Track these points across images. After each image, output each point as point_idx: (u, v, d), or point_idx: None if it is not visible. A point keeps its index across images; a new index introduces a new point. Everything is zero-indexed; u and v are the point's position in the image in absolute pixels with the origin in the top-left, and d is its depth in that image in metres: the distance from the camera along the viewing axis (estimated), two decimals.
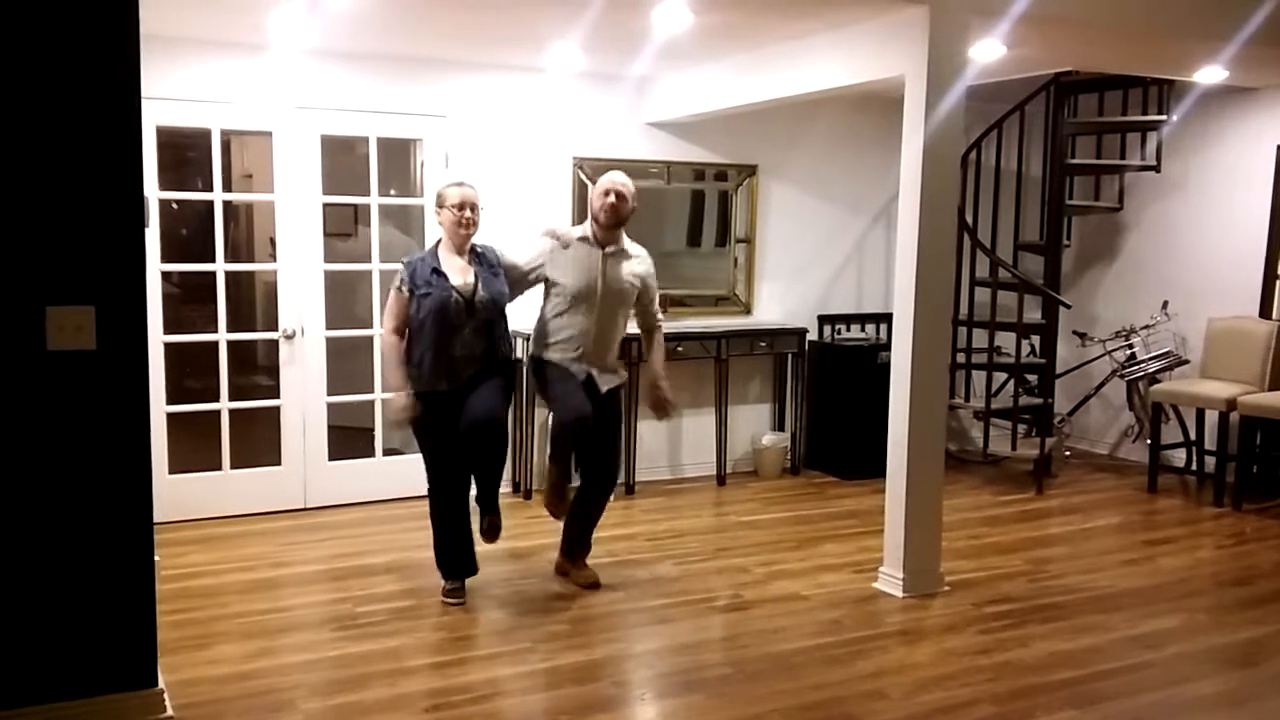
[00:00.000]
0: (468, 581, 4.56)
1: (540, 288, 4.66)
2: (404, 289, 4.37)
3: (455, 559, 4.51)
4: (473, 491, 4.58)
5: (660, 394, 4.73)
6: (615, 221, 4.50)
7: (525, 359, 4.80)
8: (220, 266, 5.60)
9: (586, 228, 4.56)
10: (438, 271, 4.35)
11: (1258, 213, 6.64)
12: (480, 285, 4.37)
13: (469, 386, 4.38)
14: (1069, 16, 4.60)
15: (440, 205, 4.44)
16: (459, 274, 4.37)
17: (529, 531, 5.44)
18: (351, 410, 6.09)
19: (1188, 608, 4.55)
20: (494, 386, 4.42)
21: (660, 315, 4.82)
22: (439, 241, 4.47)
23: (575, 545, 4.79)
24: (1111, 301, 7.49)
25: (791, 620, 4.31)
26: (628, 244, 4.63)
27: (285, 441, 5.82)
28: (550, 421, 4.79)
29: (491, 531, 4.55)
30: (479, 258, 4.45)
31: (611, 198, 4.46)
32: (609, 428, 4.64)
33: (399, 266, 4.51)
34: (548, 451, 4.81)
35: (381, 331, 4.49)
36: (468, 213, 4.37)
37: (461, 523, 4.49)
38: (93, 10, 3.05)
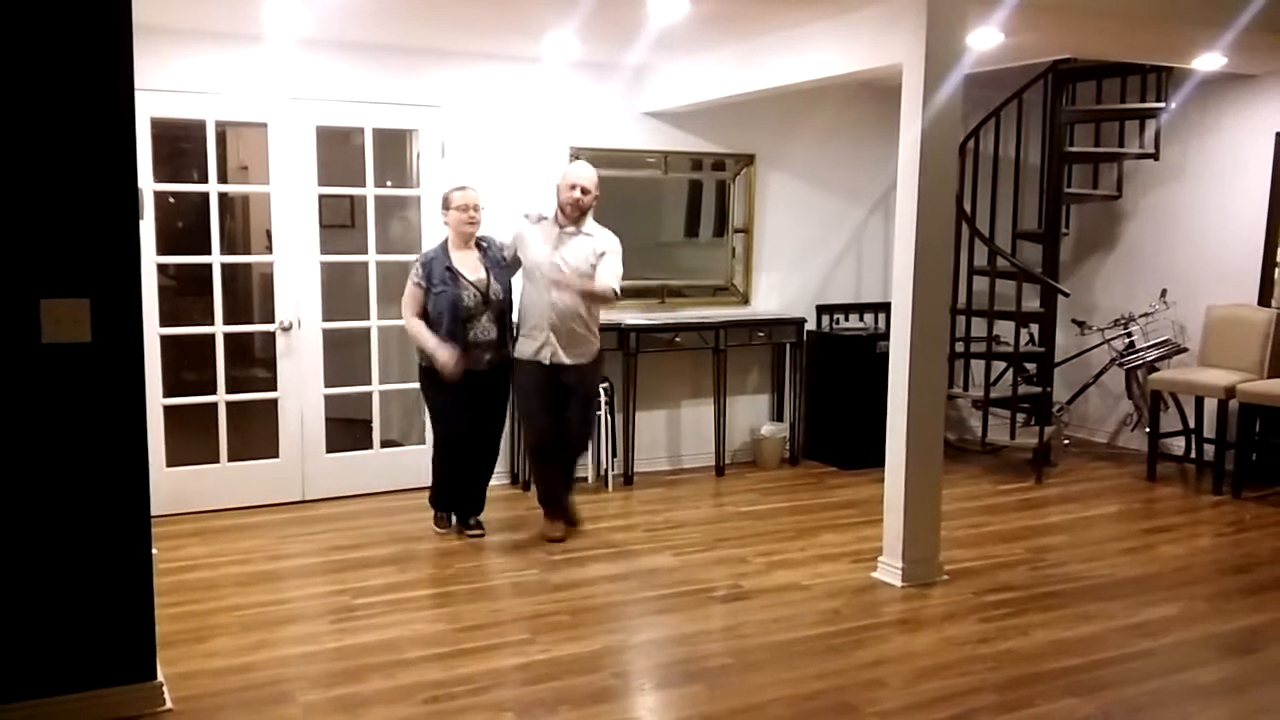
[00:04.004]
0: (462, 574, 4.66)
1: None
2: (420, 283, 4.94)
3: (448, 497, 5.26)
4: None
5: (564, 279, 4.93)
6: (578, 214, 4.99)
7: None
8: (216, 258, 5.58)
9: (552, 209, 5.05)
10: (451, 270, 4.91)
11: (1256, 200, 6.62)
12: (493, 279, 4.98)
13: (486, 381, 5.01)
14: (1067, 3, 4.58)
15: (446, 207, 5.02)
16: (472, 270, 4.96)
17: (526, 523, 5.43)
18: (349, 402, 6.08)
19: (1187, 596, 4.55)
20: (500, 414, 5.21)
21: (610, 283, 4.93)
22: (447, 239, 5.01)
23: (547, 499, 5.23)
24: (1110, 290, 7.48)
25: (791, 610, 4.31)
26: (590, 226, 5.03)
27: (283, 434, 5.81)
28: (522, 432, 5.61)
29: (475, 538, 5.20)
30: (485, 252, 5.03)
31: (576, 192, 4.96)
32: (581, 398, 5.09)
33: (413, 258, 5.20)
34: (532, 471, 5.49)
35: (405, 319, 5.02)
36: (471, 213, 4.97)
37: (458, 470, 5.17)
38: (84, 1, 3.03)
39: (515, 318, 5.12)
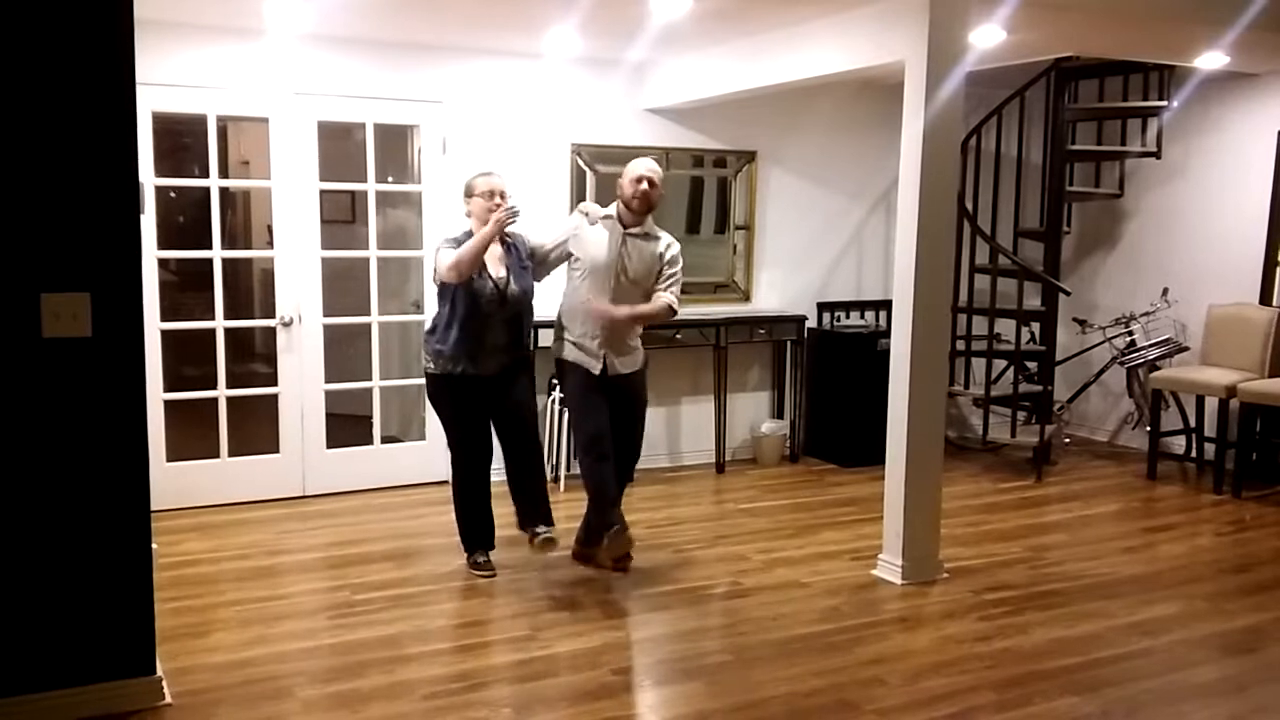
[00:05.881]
0: (461, 570, 4.64)
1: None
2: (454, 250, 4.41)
3: (479, 532, 4.66)
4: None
5: (607, 309, 4.54)
6: (647, 208, 4.57)
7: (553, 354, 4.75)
8: (217, 253, 5.58)
9: (614, 208, 4.62)
10: None
11: (1258, 199, 6.62)
12: (512, 279, 4.49)
13: (500, 381, 4.52)
14: (1069, 1, 4.57)
15: (470, 194, 4.53)
16: (495, 265, 4.47)
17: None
18: (349, 398, 6.08)
19: (1187, 595, 4.55)
20: (525, 402, 4.63)
21: (670, 296, 4.59)
22: (470, 230, 4.51)
23: (598, 522, 4.69)
24: (1111, 288, 7.48)
25: (790, 607, 4.31)
26: (653, 228, 4.66)
27: (283, 429, 5.81)
28: (571, 438, 5.00)
29: (546, 545, 4.52)
30: (510, 248, 4.55)
31: (644, 185, 4.53)
32: (631, 409, 4.68)
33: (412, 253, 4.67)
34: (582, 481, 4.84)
35: (445, 264, 4.37)
36: (498, 199, 4.45)
37: (484, 498, 4.65)
38: None
39: (559, 318, 4.68)
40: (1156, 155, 6.94)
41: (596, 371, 4.55)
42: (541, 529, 4.51)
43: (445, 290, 4.47)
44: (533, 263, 4.64)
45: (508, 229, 4.49)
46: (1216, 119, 6.84)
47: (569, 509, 5.18)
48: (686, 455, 6.77)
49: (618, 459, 4.66)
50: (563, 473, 6.01)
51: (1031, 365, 6.99)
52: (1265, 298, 6.56)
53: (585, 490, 4.61)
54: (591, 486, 4.56)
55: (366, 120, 5.80)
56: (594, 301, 4.52)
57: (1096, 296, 7.53)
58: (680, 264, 4.65)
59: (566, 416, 4.95)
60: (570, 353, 4.60)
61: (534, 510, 4.56)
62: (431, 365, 4.53)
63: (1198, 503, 6.10)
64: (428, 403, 4.81)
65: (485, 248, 4.36)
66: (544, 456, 4.82)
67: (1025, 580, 4.69)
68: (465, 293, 4.40)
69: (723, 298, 6.82)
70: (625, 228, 4.57)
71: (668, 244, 4.65)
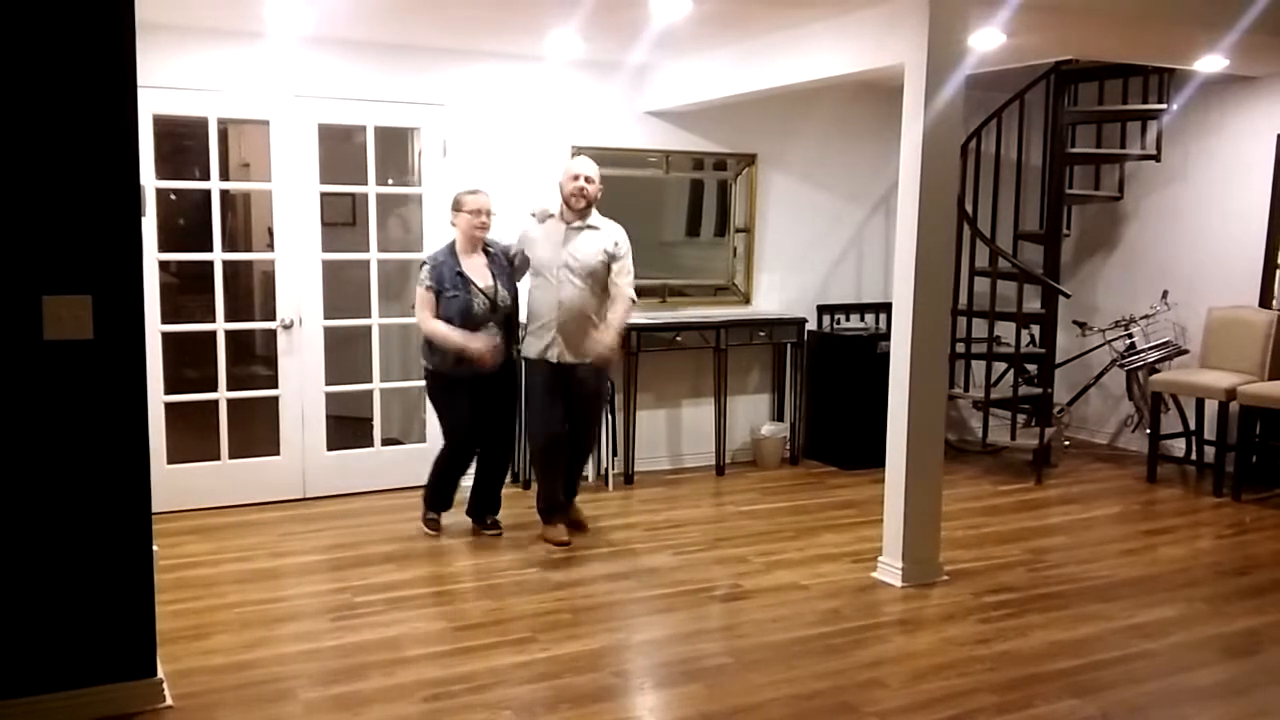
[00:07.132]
0: (462, 573, 4.72)
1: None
2: (432, 287, 4.89)
3: (443, 497, 5.23)
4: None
5: (597, 346, 4.92)
6: (585, 204, 4.96)
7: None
8: (218, 256, 5.59)
9: (557, 206, 5.04)
10: (461, 275, 4.89)
11: (1258, 202, 6.62)
12: (500, 285, 4.96)
13: (493, 385, 5.00)
14: (1069, 4, 4.58)
15: (457, 209, 4.96)
16: (480, 276, 4.93)
17: (527, 521, 5.43)
18: (350, 400, 6.08)
19: (1187, 597, 4.55)
20: (510, 419, 5.20)
21: (624, 284, 4.98)
22: (454, 242, 4.98)
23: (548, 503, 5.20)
24: (1111, 291, 7.48)
25: (790, 610, 4.31)
26: (596, 219, 5.01)
27: (284, 431, 5.81)
28: (526, 433, 5.46)
29: (493, 528, 5.26)
30: (493, 257, 5.01)
31: (580, 182, 4.95)
32: (586, 398, 5.08)
33: (414, 256, 5.25)
34: (536, 471, 5.35)
35: (423, 322, 4.94)
36: (483, 218, 4.93)
37: (457, 473, 5.19)
38: None
39: (524, 317, 5.10)
40: (1156, 158, 6.95)
41: (554, 360, 4.92)
42: (491, 521, 5.25)
43: (439, 302, 4.88)
44: (511, 267, 5.08)
45: (487, 240, 4.95)
46: (1216, 122, 6.85)
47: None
48: (686, 457, 6.77)
49: (569, 449, 5.14)
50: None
51: (1031, 368, 7.00)
52: (1265, 300, 6.57)
53: (536, 482, 5.28)
54: (539, 487, 5.19)
55: (367, 123, 5.81)
56: (594, 345, 4.90)
57: (1096, 299, 7.53)
58: (629, 253, 5.02)
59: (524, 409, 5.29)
60: (531, 347, 5.00)
61: (491, 505, 5.26)
62: (428, 365, 5.00)
63: (1197, 505, 6.10)
64: (428, 403, 5.03)
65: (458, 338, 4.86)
66: (509, 459, 5.44)
67: (1025, 583, 4.69)
68: (459, 309, 4.84)
69: (723, 300, 6.83)
70: (568, 223, 4.94)
71: (613, 236, 4.99)
